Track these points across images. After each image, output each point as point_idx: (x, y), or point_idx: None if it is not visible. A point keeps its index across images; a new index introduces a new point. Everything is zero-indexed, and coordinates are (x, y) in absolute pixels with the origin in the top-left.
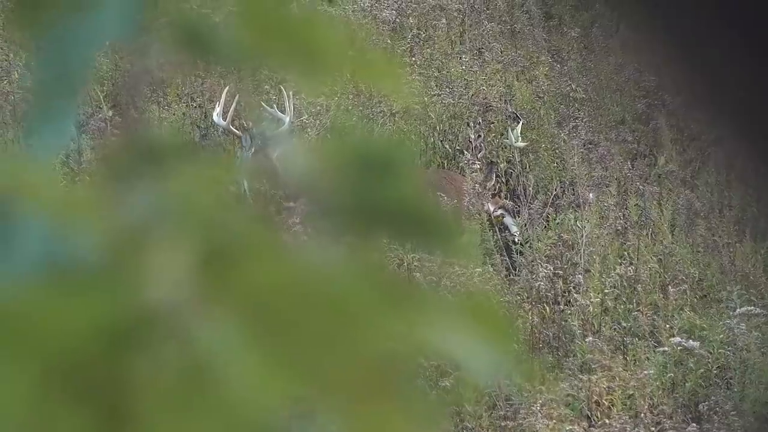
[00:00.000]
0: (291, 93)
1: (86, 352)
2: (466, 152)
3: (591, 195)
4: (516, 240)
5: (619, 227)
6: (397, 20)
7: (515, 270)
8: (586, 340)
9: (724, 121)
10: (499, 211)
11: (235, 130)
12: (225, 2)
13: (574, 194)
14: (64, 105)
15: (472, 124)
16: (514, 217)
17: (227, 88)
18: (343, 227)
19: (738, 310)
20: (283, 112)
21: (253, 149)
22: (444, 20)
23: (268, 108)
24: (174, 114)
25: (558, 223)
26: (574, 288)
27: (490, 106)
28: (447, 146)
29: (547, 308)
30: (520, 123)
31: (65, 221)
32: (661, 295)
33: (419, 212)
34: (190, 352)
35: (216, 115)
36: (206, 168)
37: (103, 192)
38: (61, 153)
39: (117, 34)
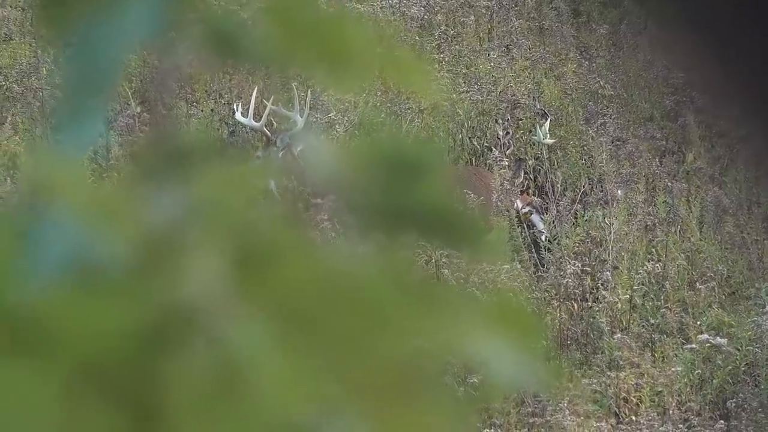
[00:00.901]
0: (308, 92)
1: (118, 352)
2: (494, 149)
3: (619, 192)
4: (544, 237)
5: (648, 224)
6: (426, 17)
7: (543, 267)
8: (614, 337)
9: (753, 118)
10: (527, 209)
11: (267, 130)
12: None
13: (602, 191)
14: (94, 103)
15: (500, 121)
16: (542, 215)
17: (256, 89)
18: (372, 226)
19: (767, 307)
20: (295, 110)
21: (284, 149)
22: (472, 17)
23: (277, 108)
24: (202, 110)
25: (586, 220)
26: (602, 285)
27: (518, 103)
28: (475, 143)
29: (575, 305)
30: (548, 120)
31: (97, 222)
32: (690, 292)
33: (448, 213)
34: (220, 353)
35: (240, 115)
36: (235, 169)
37: (134, 192)
38: (89, 150)
39: (146, 33)
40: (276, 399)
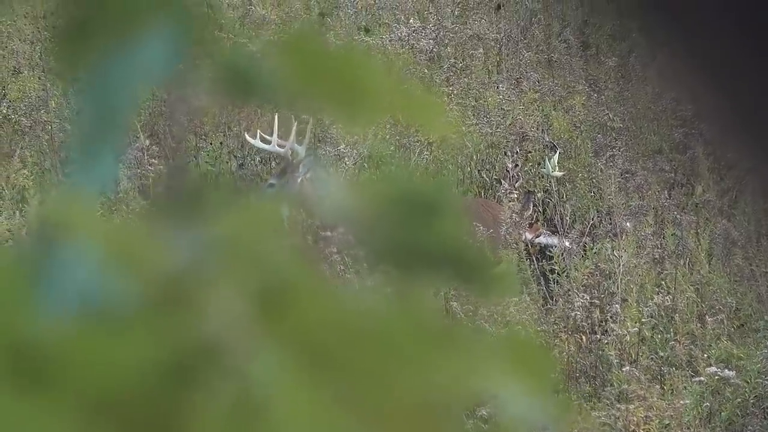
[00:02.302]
0: (310, 121)
1: (135, 388)
2: (503, 181)
3: (628, 224)
4: (553, 261)
5: (657, 256)
6: (435, 50)
7: (552, 299)
8: (623, 369)
9: (761, 150)
10: (540, 238)
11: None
12: (262, 34)
13: (611, 223)
14: (108, 141)
15: (509, 153)
16: (552, 237)
17: (276, 115)
18: (384, 261)
19: None
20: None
21: (301, 177)
22: (481, 49)
23: (254, 141)
24: (211, 143)
25: (595, 253)
26: (611, 317)
27: (527, 135)
28: (484, 176)
29: (584, 338)
30: (557, 152)
31: (113, 259)
32: (699, 325)
33: (461, 252)
34: (239, 389)
35: (261, 141)
36: (253, 204)
37: (151, 229)
38: (102, 189)
39: (162, 69)
40: None
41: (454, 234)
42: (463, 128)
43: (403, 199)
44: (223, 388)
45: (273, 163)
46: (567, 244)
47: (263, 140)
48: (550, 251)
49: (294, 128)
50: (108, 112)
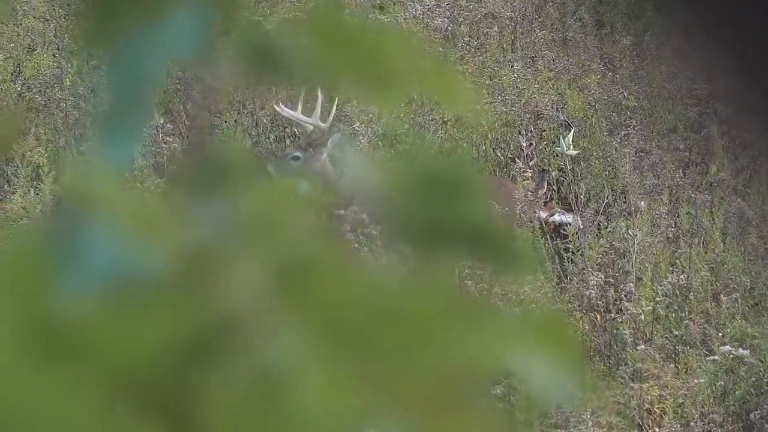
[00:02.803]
0: (320, 96)
1: (157, 365)
2: (517, 160)
3: (642, 203)
4: (568, 239)
5: (671, 235)
6: (449, 28)
7: (566, 278)
8: (638, 348)
9: None
10: (554, 216)
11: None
12: (278, 12)
13: (625, 202)
14: (133, 120)
15: (523, 132)
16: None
17: (320, 92)
18: (404, 243)
19: None
20: (310, 115)
21: (327, 153)
22: (496, 28)
23: (293, 114)
24: (225, 121)
25: (609, 232)
26: (625, 296)
27: (541, 114)
28: (499, 154)
29: (598, 317)
30: (572, 131)
31: (138, 234)
32: (713, 304)
33: (487, 236)
34: (261, 366)
35: (298, 112)
36: (275, 181)
37: (176, 205)
38: (127, 167)
39: (189, 49)
40: (318, 411)
41: (478, 213)
42: (478, 107)
43: (425, 177)
44: (244, 365)
45: (288, 141)
46: (580, 222)
47: (306, 113)
48: (564, 230)
49: (319, 103)
50: (133, 92)
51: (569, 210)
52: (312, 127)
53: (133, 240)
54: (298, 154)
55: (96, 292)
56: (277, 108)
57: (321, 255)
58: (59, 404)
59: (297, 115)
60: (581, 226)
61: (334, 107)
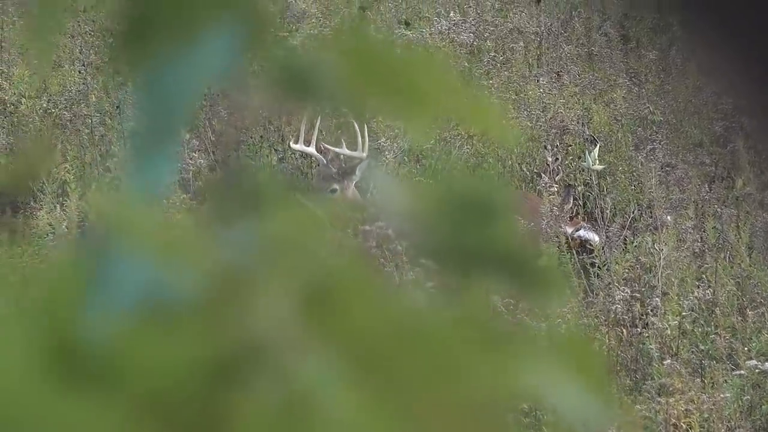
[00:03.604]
0: (365, 128)
1: (185, 387)
2: (543, 175)
3: (668, 218)
4: (594, 254)
5: (697, 250)
6: (475, 43)
7: (592, 293)
8: (664, 363)
9: None
10: (579, 232)
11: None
12: (303, 28)
13: (651, 217)
14: (169, 144)
15: (549, 147)
16: (593, 232)
17: (365, 125)
18: (436, 263)
19: None
20: (355, 148)
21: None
22: (521, 43)
23: (340, 150)
24: (251, 137)
25: (635, 246)
26: (651, 311)
27: (567, 128)
28: (524, 169)
29: (625, 331)
30: (598, 146)
31: (166, 257)
32: (739, 318)
33: (515, 257)
34: (289, 390)
35: (356, 151)
36: (303, 206)
37: (202, 226)
38: (165, 192)
39: (221, 70)
40: None
41: (506, 233)
42: (504, 122)
43: (454, 194)
44: (271, 388)
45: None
46: (605, 238)
47: (350, 148)
48: (590, 245)
49: (359, 136)
50: (167, 114)
51: (595, 225)
52: (357, 159)
53: (162, 262)
54: (336, 187)
55: (124, 315)
56: (326, 147)
57: (347, 278)
58: (83, 429)
59: (344, 150)
60: (606, 241)
61: (366, 136)
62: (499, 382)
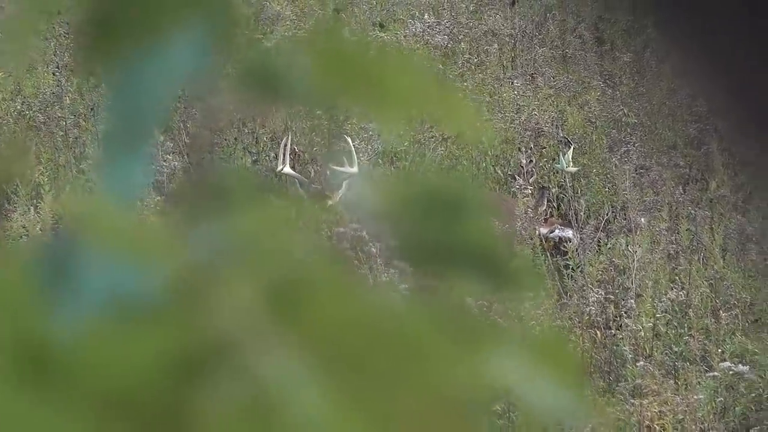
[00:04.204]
0: (353, 144)
1: (151, 386)
2: (517, 177)
3: (642, 220)
4: (567, 255)
5: (671, 252)
6: (449, 45)
7: (567, 294)
8: (638, 364)
9: None
10: (555, 231)
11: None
12: (277, 30)
13: (625, 219)
14: (140, 146)
15: (523, 149)
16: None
17: (349, 138)
18: (406, 262)
19: None
20: (347, 161)
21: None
22: (496, 45)
23: (337, 168)
24: (225, 139)
25: (609, 248)
26: (625, 313)
27: (541, 130)
28: (499, 171)
29: (599, 333)
30: (572, 148)
31: (133, 256)
32: (713, 320)
33: (489, 255)
34: (255, 388)
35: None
36: (270, 203)
37: (172, 226)
38: (138, 194)
39: (193, 71)
40: None
41: (480, 232)
42: (478, 124)
43: (426, 194)
44: (237, 387)
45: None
46: (579, 239)
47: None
48: (564, 246)
49: (353, 151)
50: (138, 117)
51: (569, 227)
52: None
53: (129, 262)
54: (332, 201)
55: (90, 315)
56: (332, 169)
57: (315, 276)
58: (48, 428)
59: (347, 169)
60: (580, 243)
61: (354, 150)
62: (470, 379)
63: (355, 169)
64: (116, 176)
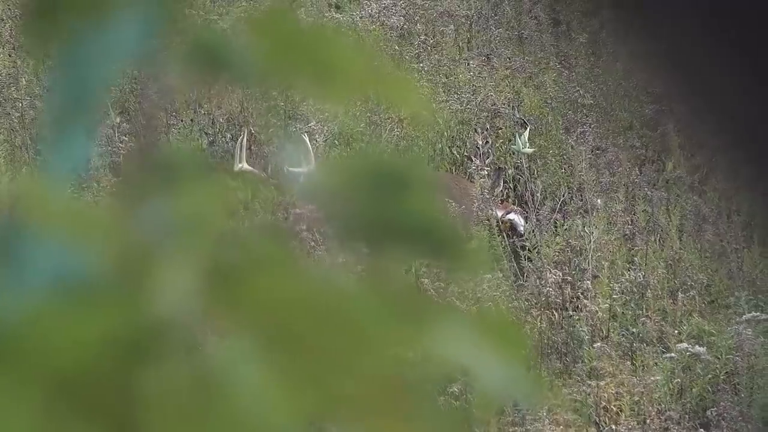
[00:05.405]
0: (308, 141)
1: (95, 366)
2: (474, 158)
3: (599, 201)
4: (524, 237)
5: (628, 233)
6: (405, 26)
7: (523, 276)
8: (594, 346)
9: (729, 129)
10: (509, 215)
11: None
12: (233, 11)
13: (582, 200)
14: (82, 122)
15: (479, 130)
16: (522, 218)
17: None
18: (354, 237)
19: (745, 315)
20: (305, 160)
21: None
22: (452, 26)
23: (294, 169)
24: (182, 121)
25: (566, 229)
26: (582, 294)
27: (498, 112)
28: (455, 152)
29: (556, 314)
30: (528, 129)
31: (77, 237)
32: (670, 301)
33: (435, 232)
34: (200, 368)
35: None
36: (218, 183)
37: (116, 209)
38: (75, 171)
39: (136, 48)
40: (256, 414)
41: (426, 208)
42: (434, 105)
43: (375, 174)
44: (183, 366)
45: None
46: (535, 220)
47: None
48: (520, 228)
49: (310, 149)
50: (81, 92)
51: (525, 208)
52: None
53: (71, 242)
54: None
55: (33, 296)
56: (288, 170)
57: (260, 254)
58: None
59: (304, 169)
60: (537, 224)
61: (311, 149)
62: (420, 358)
63: (312, 167)
64: (55, 153)
